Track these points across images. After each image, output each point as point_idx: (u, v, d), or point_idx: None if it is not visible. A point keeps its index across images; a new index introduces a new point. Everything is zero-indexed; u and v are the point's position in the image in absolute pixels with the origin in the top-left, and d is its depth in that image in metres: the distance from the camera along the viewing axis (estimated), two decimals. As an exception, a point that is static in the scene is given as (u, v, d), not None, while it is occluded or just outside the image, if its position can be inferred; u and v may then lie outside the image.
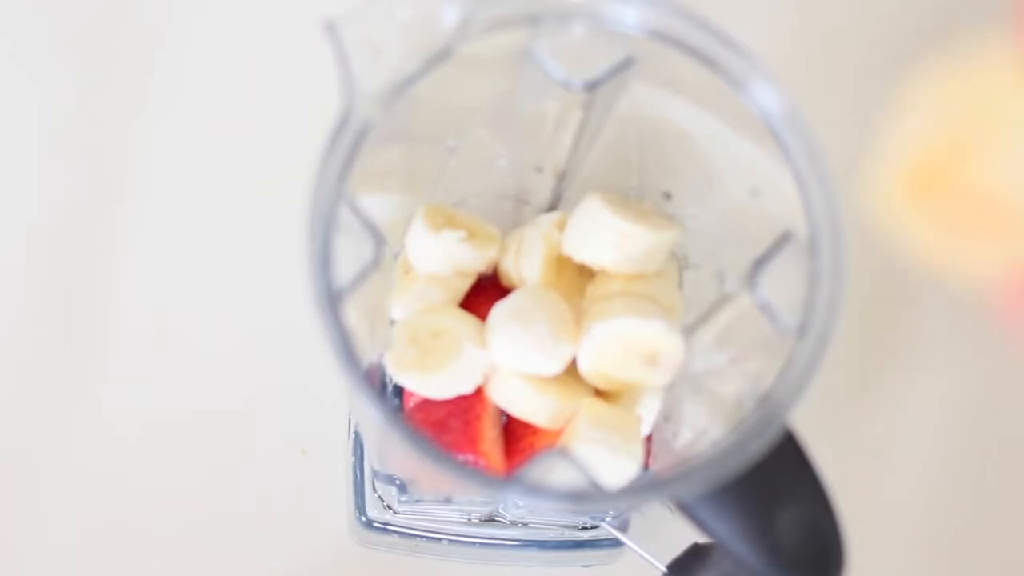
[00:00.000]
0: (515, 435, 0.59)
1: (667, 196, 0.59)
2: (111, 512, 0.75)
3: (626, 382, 0.57)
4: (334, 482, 0.73)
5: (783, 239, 0.50)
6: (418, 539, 0.69)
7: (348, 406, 0.70)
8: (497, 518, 0.67)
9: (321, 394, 0.74)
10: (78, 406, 0.76)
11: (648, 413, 0.58)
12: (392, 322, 0.60)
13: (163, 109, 0.79)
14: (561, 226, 0.59)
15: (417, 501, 0.66)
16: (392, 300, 0.60)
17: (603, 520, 0.66)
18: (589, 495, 0.48)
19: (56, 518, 0.74)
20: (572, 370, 0.57)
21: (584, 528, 0.68)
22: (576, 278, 0.60)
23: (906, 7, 0.82)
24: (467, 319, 0.58)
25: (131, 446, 0.75)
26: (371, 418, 0.48)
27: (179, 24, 0.81)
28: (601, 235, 0.57)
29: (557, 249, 0.59)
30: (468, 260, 0.60)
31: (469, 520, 0.68)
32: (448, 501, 0.66)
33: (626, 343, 0.56)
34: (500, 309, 0.57)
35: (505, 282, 0.62)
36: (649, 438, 0.59)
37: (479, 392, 0.57)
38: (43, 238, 0.78)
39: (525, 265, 0.60)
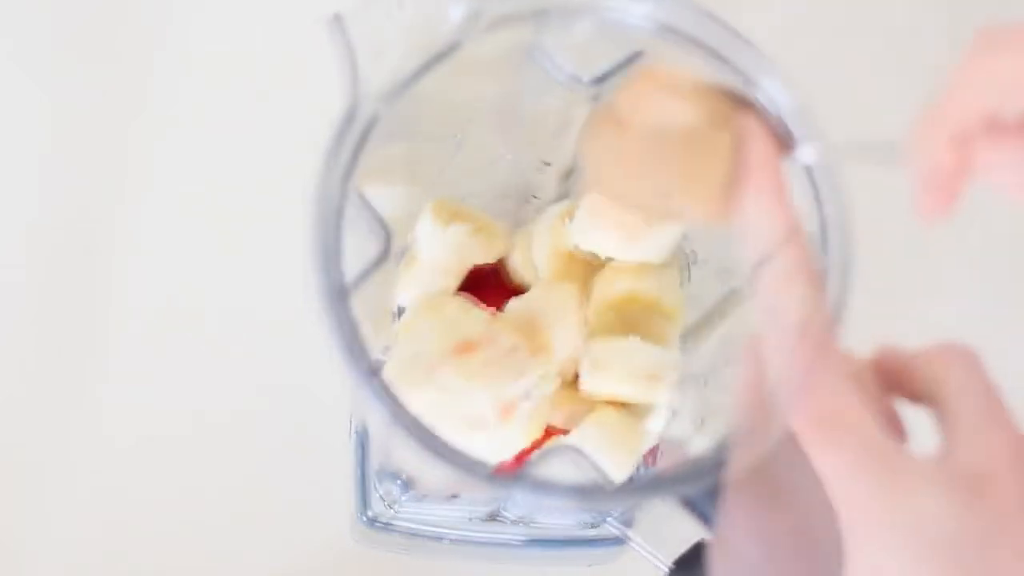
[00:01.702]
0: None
1: (673, 193, 0.59)
2: (111, 512, 0.74)
3: (630, 401, 0.58)
4: (335, 482, 0.73)
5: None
6: (421, 537, 0.69)
7: (352, 403, 0.70)
8: (500, 516, 0.67)
9: (321, 394, 0.74)
10: (79, 406, 0.75)
11: (658, 422, 0.58)
12: (398, 311, 0.60)
13: (164, 109, 0.79)
14: (569, 215, 0.60)
15: (421, 499, 0.66)
16: (398, 288, 0.60)
17: (607, 518, 0.66)
18: (594, 491, 0.48)
19: (57, 517, 0.74)
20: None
21: (589, 526, 0.68)
22: (584, 270, 0.60)
23: (909, 4, 0.82)
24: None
25: (131, 446, 0.75)
26: (376, 413, 0.47)
27: (180, 23, 0.81)
28: (604, 224, 0.57)
29: (564, 241, 0.60)
30: (475, 253, 0.60)
31: (472, 518, 0.68)
32: (452, 498, 0.66)
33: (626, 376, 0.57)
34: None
35: (513, 280, 0.62)
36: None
37: None
38: (43, 238, 0.78)
39: (536, 257, 0.60)
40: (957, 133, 0.42)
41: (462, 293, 0.61)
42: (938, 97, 0.42)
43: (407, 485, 0.65)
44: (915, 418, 0.77)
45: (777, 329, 0.50)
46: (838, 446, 0.40)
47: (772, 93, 0.49)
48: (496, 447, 0.56)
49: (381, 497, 0.68)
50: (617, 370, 0.57)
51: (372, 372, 0.47)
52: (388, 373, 0.57)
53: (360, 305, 0.49)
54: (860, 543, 0.39)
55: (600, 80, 0.51)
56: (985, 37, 0.42)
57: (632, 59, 0.51)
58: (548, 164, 0.61)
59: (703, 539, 0.58)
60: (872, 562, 0.39)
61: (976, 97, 0.41)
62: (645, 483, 0.53)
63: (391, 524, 0.69)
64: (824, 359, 0.41)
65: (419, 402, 0.55)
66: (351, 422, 0.71)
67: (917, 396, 0.42)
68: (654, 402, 0.58)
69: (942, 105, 0.42)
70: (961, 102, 0.41)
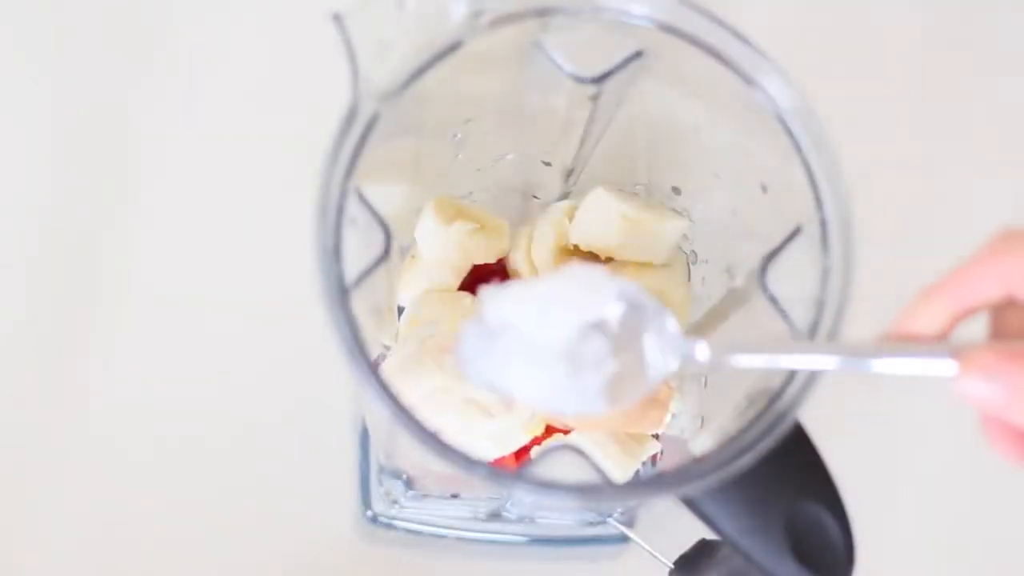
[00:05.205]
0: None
1: (676, 191, 0.59)
2: (114, 513, 0.74)
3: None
4: (337, 481, 0.73)
5: (793, 234, 0.50)
6: (423, 535, 0.69)
7: (355, 401, 0.70)
8: (502, 515, 0.67)
9: (323, 394, 0.74)
10: (78, 407, 0.75)
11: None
12: (400, 309, 0.60)
13: (165, 109, 0.79)
14: (571, 215, 0.60)
15: (424, 496, 0.66)
16: (400, 286, 0.60)
17: (610, 516, 0.66)
18: (595, 491, 0.48)
19: (56, 517, 0.74)
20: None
21: (591, 524, 0.67)
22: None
23: (912, 4, 0.82)
24: None
25: (132, 446, 0.75)
26: (379, 411, 0.47)
27: (181, 23, 0.80)
28: (607, 221, 0.57)
29: (566, 238, 0.60)
30: (477, 251, 0.60)
31: (475, 516, 0.68)
32: (454, 497, 0.66)
33: None
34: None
35: (514, 279, 0.62)
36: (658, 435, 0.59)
37: None
38: (44, 238, 0.77)
39: (537, 255, 0.60)
40: (959, 313, 0.45)
41: (462, 292, 0.61)
42: (949, 278, 0.46)
43: (409, 484, 0.65)
44: (922, 417, 0.77)
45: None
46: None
47: (772, 93, 0.49)
48: (497, 440, 0.56)
49: (386, 493, 0.68)
50: None
51: (373, 370, 0.47)
52: (396, 361, 0.57)
53: (362, 303, 0.49)
54: None
55: (600, 79, 0.51)
56: (1006, 235, 0.45)
57: (632, 59, 0.51)
58: (549, 163, 0.61)
59: (704, 539, 0.58)
60: None
61: (988, 286, 0.45)
62: (646, 483, 0.53)
63: (393, 522, 0.69)
64: None
65: (427, 387, 0.55)
66: (358, 418, 0.71)
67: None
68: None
69: (951, 285, 0.45)
70: (973, 286, 0.45)
